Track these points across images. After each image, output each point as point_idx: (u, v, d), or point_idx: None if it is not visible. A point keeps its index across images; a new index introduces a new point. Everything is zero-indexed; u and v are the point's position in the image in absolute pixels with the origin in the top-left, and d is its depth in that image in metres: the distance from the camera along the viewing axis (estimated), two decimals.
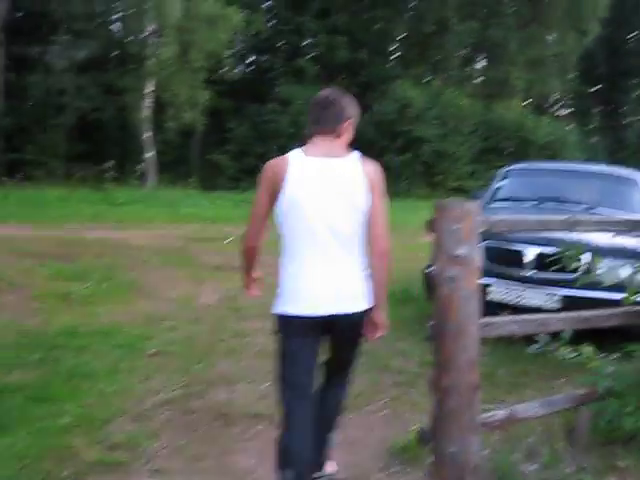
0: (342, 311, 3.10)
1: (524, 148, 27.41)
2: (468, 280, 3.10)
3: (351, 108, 3.31)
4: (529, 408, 3.56)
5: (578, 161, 23.57)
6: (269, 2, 33.59)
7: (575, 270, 4.76)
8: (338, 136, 3.20)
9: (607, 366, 3.82)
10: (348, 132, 3.26)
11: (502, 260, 5.71)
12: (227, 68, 25.67)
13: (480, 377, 3.09)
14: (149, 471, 3.50)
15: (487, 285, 5.63)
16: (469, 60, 36.23)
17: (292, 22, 31.01)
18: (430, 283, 4.70)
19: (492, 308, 4.45)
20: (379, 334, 3.41)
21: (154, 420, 4.18)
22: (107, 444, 3.78)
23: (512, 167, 8.53)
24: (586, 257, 4.69)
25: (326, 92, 3.29)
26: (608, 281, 4.03)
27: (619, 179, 7.70)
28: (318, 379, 3.26)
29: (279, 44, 33.31)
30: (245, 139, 26.86)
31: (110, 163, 20.87)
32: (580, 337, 3.92)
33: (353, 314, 3.14)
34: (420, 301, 7.28)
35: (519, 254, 5.79)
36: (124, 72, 24.02)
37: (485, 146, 27.52)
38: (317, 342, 3.21)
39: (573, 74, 38.48)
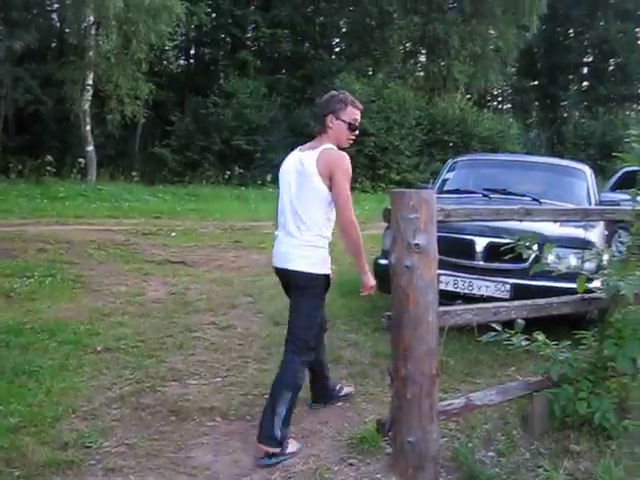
0: (283, 266, 3.93)
1: (466, 141, 27.77)
2: (426, 269, 3.12)
3: (329, 104, 3.97)
4: (485, 396, 3.61)
5: (522, 153, 23.99)
6: None
7: (525, 260, 4.83)
8: (325, 131, 3.94)
9: (559, 353, 3.88)
10: (332, 125, 3.91)
11: (452, 251, 5.73)
12: (170, 60, 25.21)
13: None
14: (102, 470, 3.42)
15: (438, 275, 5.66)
16: (412, 54, 36.51)
17: (234, 15, 30.80)
18: (381, 274, 4.70)
19: (443, 298, 4.49)
20: (364, 292, 4.01)
21: (105, 418, 4.09)
22: (57, 444, 3.67)
23: (459, 159, 8.61)
24: (536, 247, 4.74)
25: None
26: (558, 270, 4.08)
27: (566, 170, 7.84)
28: None
29: (221, 37, 33.08)
30: (188, 132, 26.51)
31: (50, 157, 20.38)
32: (532, 325, 3.98)
33: (290, 270, 3.85)
34: (371, 293, 7.30)
35: (469, 244, 5.84)
36: (63, 64, 23.41)
37: (428, 139, 27.74)
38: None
39: (514, 69, 39.14)
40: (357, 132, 4.04)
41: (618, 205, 5.26)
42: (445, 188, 7.59)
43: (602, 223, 6.32)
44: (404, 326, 3.12)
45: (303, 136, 26.40)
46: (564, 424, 3.78)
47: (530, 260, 4.98)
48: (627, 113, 39.13)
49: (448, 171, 8.07)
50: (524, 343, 3.89)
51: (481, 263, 5.80)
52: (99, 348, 5.41)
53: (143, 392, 4.53)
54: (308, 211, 3.79)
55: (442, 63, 31.97)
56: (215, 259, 9.88)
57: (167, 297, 7.37)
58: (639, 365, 3.87)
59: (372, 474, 3.34)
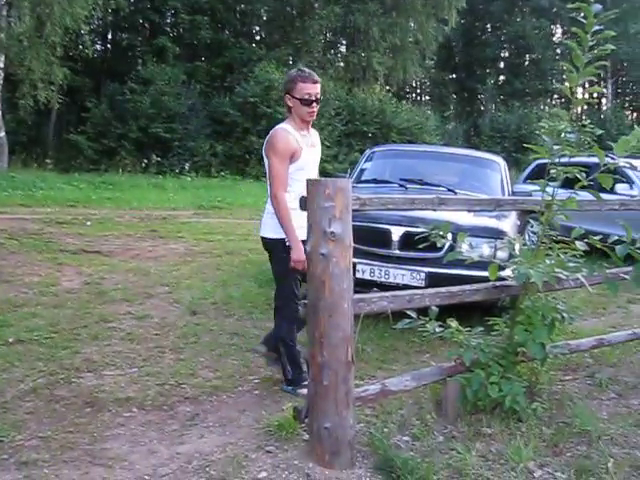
0: (259, 234, 4.42)
1: (385, 132, 28.09)
2: (341, 257, 3.14)
3: (285, 85, 4.36)
4: (400, 382, 3.67)
5: (439, 145, 24.40)
6: None
7: (439, 249, 4.93)
8: (288, 110, 4.35)
9: (472, 339, 3.97)
10: (291, 104, 4.27)
11: (369, 240, 5.80)
12: (85, 45, 24.63)
13: None
14: (15, 464, 3.32)
15: (354, 264, 5.71)
16: (332, 44, 36.67)
17: (153, 0, 30.31)
18: None
19: (359, 287, 4.54)
20: (293, 265, 4.10)
21: (17, 411, 3.97)
22: None
23: (376, 149, 8.69)
24: (450, 236, 4.84)
25: None
26: (470, 259, 4.18)
27: (481, 162, 8.02)
28: None
29: (140, 22, 32.51)
30: (104, 119, 25.95)
31: None
32: (446, 313, 4.07)
33: (262, 237, 4.39)
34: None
35: (386, 233, 5.91)
36: None
37: (347, 130, 27.92)
38: None
39: (432, 62, 39.74)
40: (315, 104, 4.27)
41: (530, 196, 5.41)
42: (363, 178, 7.65)
43: (514, 213, 6.49)
44: (320, 313, 3.14)
45: (222, 124, 26.46)
46: (476, 408, 3.87)
47: (445, 249, 5.09)
48: (541, 107, 40.29)
49: (366, 161, 8.13)
50: (438, 330, 3.97)
51: (397, 252, 5.88)
52: (11, 340, 5.26)
53: (57, 384, 4.43)
54: (269, 185, 4.25)
55: (362, 54, 32.28)
56: (131, 248, 9.72)
57: (82, 287, 7.21)
58: (548, 350, 4.01)
59: (289, 460, 3.35)
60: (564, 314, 4.04)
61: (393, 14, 32.37)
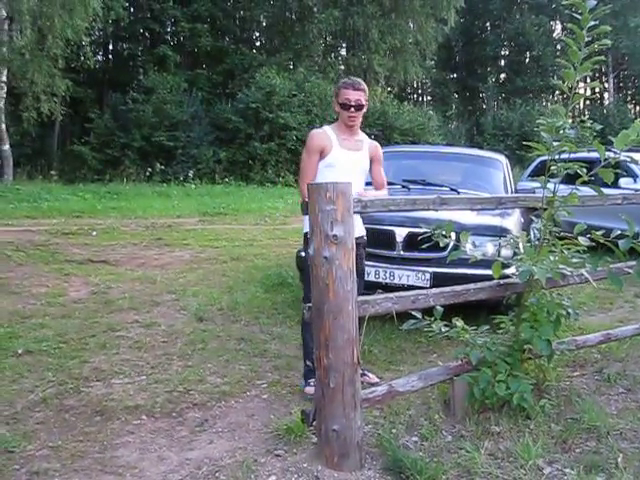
0: None
1: (387, 134, 28.07)
2: (344, 260, 3.15)
3: (334, 93, 4.74)
4: (407, 382, 3.67)
5: (442, 145, 24.38)
6: None
7: (444, 249, 4.93)
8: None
9: (478, 338, 3.98)
10: (337, 109, 4.65)
11: (373, 241, 5.80)
12: (87, 56, 24.70)
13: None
14: (27, 474, 3.34)
15: None
16: (332, 48, 36.73)
17: (153, 9, 30.43)
18: (302, 266, 4.75)
19: (365, 288, 4.55)
20: None
21: (28, 421, 3.99)
22: None
23: None
24: (453, 236, 4.84)
25: None
26: (474, 258, 4.18)
27: (483, 160, 8.02)
28: None
29: (140, 32, 32.64)
30: (107, 129, 26.08)
31: None
32: (452, 312, 4.07)
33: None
34: (294, 286, 7.35)
35: (389, 235, 5.92)
36: None
37: None
38: None
39: (433, 62, 39.79)
40: (353, 109, 4.53)
41: (533, 192, 5.41)
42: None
43: (518, 211, 6.49)
44: (325, 316, 3.15)
45: (225, 131, 26.51)
46: (484, 406, 3.87)
47: (449, 249, 5.09)
48: (543, 104, 40.21)
49: None
50: (444, 329, 3.98)
51: (401, 253, 5.88)
52: (20, 351, 5.28)
53: (66, 393, 4.44)
54: None
55: (362, 56, 32.33)
56: (137, 257, 9.74)
57: (89, 297, 7.24)
58: (554, 347, 4.01)
59: (298, 464, 3.36)
60: (569, 310, 4.04)
61: (392, 16, 32.44)
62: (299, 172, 4.65)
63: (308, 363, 4.43)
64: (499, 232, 5.75)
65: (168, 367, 5.00)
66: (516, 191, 7.34)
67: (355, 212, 3.23)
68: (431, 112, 34.05)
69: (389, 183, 7.21)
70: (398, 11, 32.53)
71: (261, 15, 33.92)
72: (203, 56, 32.03)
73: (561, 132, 3.97)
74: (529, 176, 11.83)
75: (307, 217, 3.93)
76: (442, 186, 6.80)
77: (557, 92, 42.66)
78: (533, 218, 8.37)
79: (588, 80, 24.80)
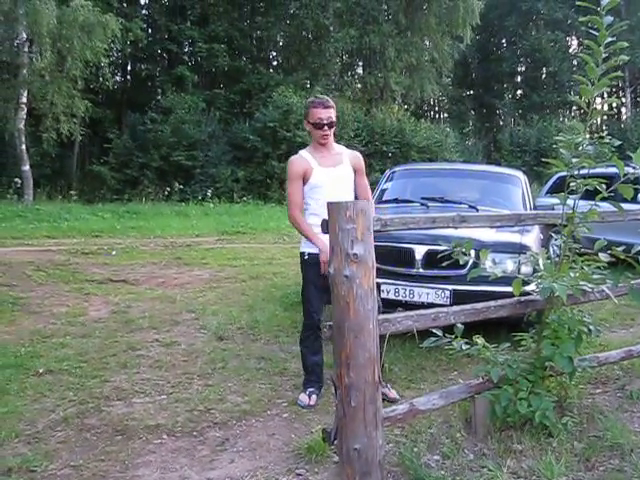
0: None
1: (405, 151, 28.09)
2: (365, 278, 3.15)
3: (304, 112, 4.82)
4: (429, 401, 3.66)
5: (460, 162, 24.35)
6: (145, 10, 33.20)
7: (463, 266, 4.94)
8: (309, 135, 4.78)
9: (499, 355, 3.96)
10: (308, 129, 4.69)
11: (393, 259, 5.81)
12: (106, 77, 24.93)
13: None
14: None
15: (378, 284, 5.72)
16: (349, 66, 36.88)
17: (170, 30, 30.72)
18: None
19: (384, 306, 4.55)
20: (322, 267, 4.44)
21: (49, 441, 4.02)
22: (1, 469, 3.59)
23: (397, 168, 8.71)
24: (473, 253, 4.84)
25: None
26: (494, 275, 4.17)
27: (501, 177, 8.01)
28: None
29: (158, 52, 32.95)
30: (126, 149, 26.29)
31: None
32: (471, 329, 4.06)
33: None
34: None
35: (409, 253, 5.91)
36: None
37: (367, 150, 27.94)
38: None
39: (449, 79, 39.83)
40: (326, 127, 4.57)
41: (552, 209, 5.40)
42: (384, 198, 7.67)
43: (537, 227, 6.47)
44: (345, 335, 3.15)
45: (243, 150, 26.63)
46: (506, 424, 3.86)
47: (468, 266, 5.09)
48: (560, 120, 40.07)
49: (387, 181, 8.15)
50: (464, 347, 3.97)
51: (421, 271, 5.87)
52: (41, 370, 5.32)
53: (87, 413, 4.47)
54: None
55: (379, 75, 32.42)
56: (157, 276, 9.79)
57: (109, 316, 7.28)
58: (576, 364, 3.99)
59: None
60: (590, 327, 4.02)
61: (408, 34, 32.55)
62: (287, 200, 4.72)
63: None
64: (519, 249, 5.73)
65: (188, 386, 5.02)
66: (535, 207, 7.32)
67: (375, 231, 3.23)
68: (448, 129, 34.01)
69: (407, 201, 7.27)
70: (414, 29, 32.65)
71: (278, 35, 34.15)
72: (220, 76, 32.28)
73: (580, 148, 3.97)
74: (547, 192, 11.80)
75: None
76: (461, 203, 6.80)
77: (574, 107, 42.57)
78: (552, 235, 8.36)
79: (605, 96, 24.76)
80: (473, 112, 46.29)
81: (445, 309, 3.82)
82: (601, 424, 3.96)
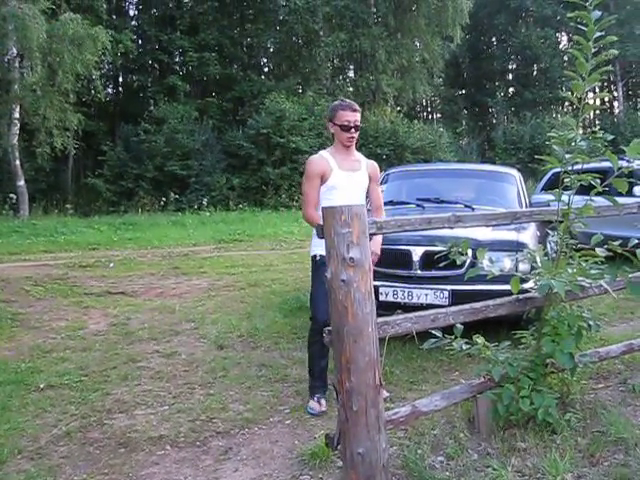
0: None
1: (399, 153, 28.08)
2: (362, 282, 3.14)
3: (327, 113, 4.82)
4: (431, 402, 3.65)
5: (453, 162, 24.35)
6: (135, 21, 33.25)
7: (461, 266, 4.93)
8: (332, 136, 4.79)
9: (500, 354, 3.96)
10: (332, 130, 4.72)
11: (390, 262, 5.80)
12: (97, 89, 24.92)
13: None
14: None
15: (376, 287, 5.71)
16: (340, 70, 36.91)
17: (160, 40, 30.75)
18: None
19: (383, 309, 4.54)
20: None
21: (52, 456, 4.00)
22: None
23: (391, 171, 8.70)
24: (470, 252, 4.83)
25: None
26: (491, 274, 4.16)
27: (496, 176, 8.01)
28: None
29: (149, 63, 32.98)
30: (120, 161, 26.28)
31: None
32: (471, 329, 4.05)
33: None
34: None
35: (406, 254, 5.91)
36: None
37: (361, 153, 27.90)
38: None
39: (441, 79, 39.87)
40: (353, 130, 4.65)
41: (547, 205, 5.39)
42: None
43: (534, 224, 6.47)
44: (345, 339, 3.14)
45: (237, 157, 26.64)
46: (509, 423, 3.85)
47: (466, 266, 5.09)
48: (553, 116, 40.11)
49: (381, 183, 8.10)
50: (465, 347, 3.97)
51: (419, 272, 5.87)
52: (42, 386, 5.30)
53: (90, 426, 4.45)
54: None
55: (370, 77, 32.43)
56: (155, 287, 9.77)
57: (109, 329, 7.26)
58: (577, 359, 3.98)
59: None
60: (590, 322, 4.02)
61: (398, 36, 32.58)
62: (302, 199, 4.72)
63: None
64: (516, 247, 5.73)
65: (190, 396, 5.01)
66: (530, 205, 7.32)
67: (371, 234, 3.23)
68: (441, 129, 34.00)
69: (403, 202, 7.26)
70: (404, 31, 32.68)
71: (268, 41, 34.14)
72: (212, 84, 32.31)
73: (573, 144, 3.97)
74: (542, 189, 11.81)
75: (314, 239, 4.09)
76: (456, 203, 6.80)
77: (566, 103, 42.59)
78: (549, 231, 8.36)
79: (597, 90, 24.81)
80: (466, 111, 46.29)
81: (444, 310, 3.81)
82: (604, 419, 3.95)
